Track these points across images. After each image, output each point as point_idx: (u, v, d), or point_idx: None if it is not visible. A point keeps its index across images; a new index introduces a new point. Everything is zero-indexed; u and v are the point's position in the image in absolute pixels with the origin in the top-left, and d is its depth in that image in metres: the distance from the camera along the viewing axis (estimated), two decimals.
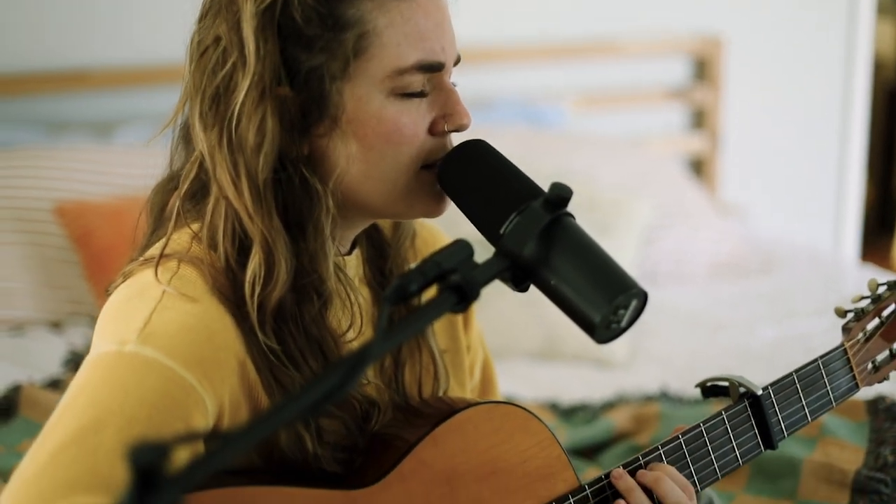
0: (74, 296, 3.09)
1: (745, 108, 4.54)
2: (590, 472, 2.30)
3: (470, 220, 1.38)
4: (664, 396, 2.67)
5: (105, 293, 1.43)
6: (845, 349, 1.72)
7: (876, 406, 2.33)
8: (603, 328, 1.25)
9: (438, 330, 1.64)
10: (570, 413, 2.66)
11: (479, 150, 1.41)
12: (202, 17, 1.41)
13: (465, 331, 1.71)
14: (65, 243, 3.10)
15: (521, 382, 2.90)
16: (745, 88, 4.52)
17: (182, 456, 1.27)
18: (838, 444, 2.25)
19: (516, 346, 3.09)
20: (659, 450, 1.54)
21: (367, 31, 1.34)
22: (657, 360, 3.02)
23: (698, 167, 4.48)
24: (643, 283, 3.33)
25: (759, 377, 2.85)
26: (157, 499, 0.92)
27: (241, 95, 1.34)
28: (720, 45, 4.38)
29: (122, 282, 1.41)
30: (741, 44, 4.47)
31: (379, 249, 1.59)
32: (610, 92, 4.28)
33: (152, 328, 1.31)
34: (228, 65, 1.36)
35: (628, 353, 3.08)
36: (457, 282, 1.17)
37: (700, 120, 4.45)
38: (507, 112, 3.99)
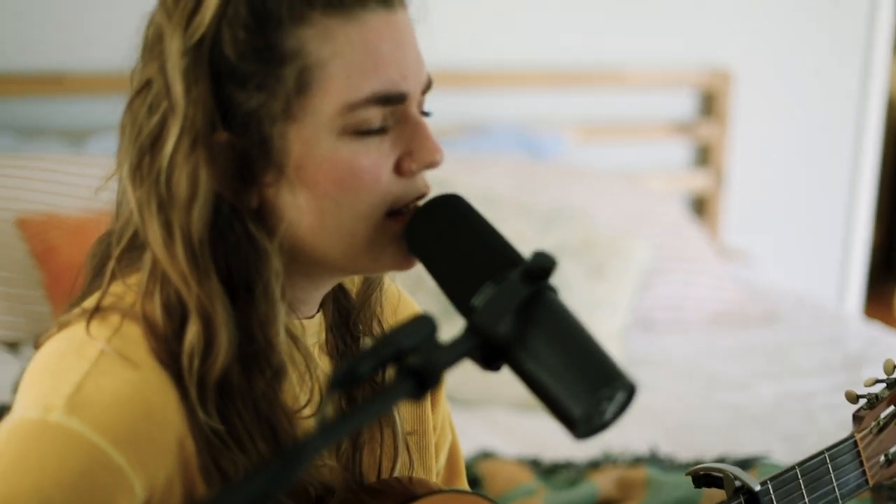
0: (35, 315, 2.91)
1: (752, 146, 4.37)
2: None
3: (439, 286, 1.21)
4: (653, 459, 2.51)
5: (35, 346, 1.25)
6: (856, 441, 1.54)
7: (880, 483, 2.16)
8: (584, 423, 1.09)
9: (403, 409, 1.45)
10: (551, 472, 2.50)
11: (452, 208, 1.23)
12: (140, 56, 1.24)
13: (432, 410, 1.53)
14: (27, 258, 2.93)
15: (501, 434, 2.74)
16: (753, 125, 4.35)
17: None
18: None
19: (498, 393, 2.92)
20: None
21: (310, 64, 1.16)
22: (648, 416, 2.85)
23: (700, 206, 4.31)
24: (638, 330, 3.20)
25: (755, 439, 2.73)
26: None
27: (170, 145, 1.17)
28: (728, 78, 4.21)
29: (57, 333, 1.23)
30: (750, 79, 4.30)
31: (345, 315, 1.40)
32: (612, 123, 4.11)
33: (83, 396, 1.13)
34: (160, 112, 1.18)
35: None
36: (415, 365, 1.01)
37: (704, 156, 4.28)
38: (504, 139, 3.82)
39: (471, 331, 1.09)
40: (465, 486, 1.63)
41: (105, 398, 1.13)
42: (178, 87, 1.16)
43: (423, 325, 1.04)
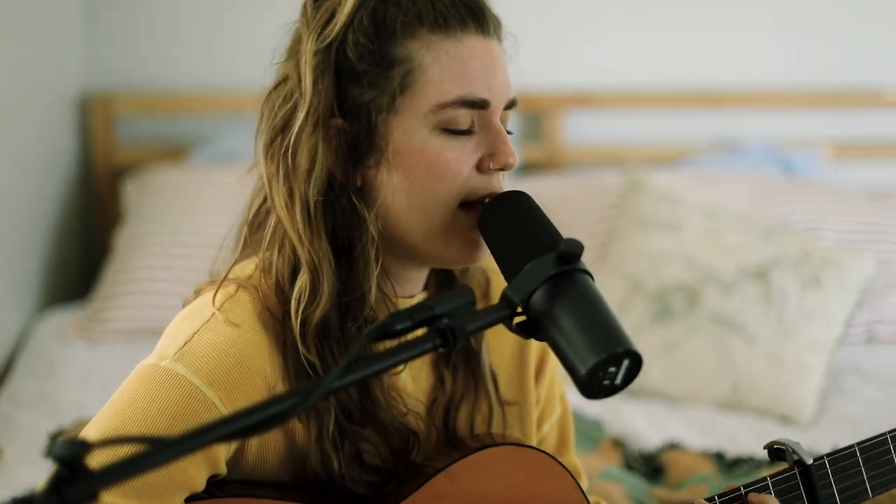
0: None
1: None
2: None
3: (497, 265, 1.42)
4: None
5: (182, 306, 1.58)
6: None
7: None
8: (592, 383, 1.25)
9: (507, 380, 1.68)
10: (732, 465, 2.63)
11: (515, 201, 1.45)
12: (283, 57, 1.53)
13: (536, 384, 1.73)
14: None
15: (696, 430, 2.89)
16: None
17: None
18: None
19: (703, 392, 3.07)
20: None
21: (413, 68, 1.43)
22: (845, 423, 2.94)
23: None
24: (860, 342, 3.24)
25: None
26: (74, 490, 1.02)
27: (297, 126, 1.46)
28: None
29: (193, 299, 1.56)
30: None
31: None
32: (868, 143, 4.17)
33: (189, 347, 1.44)
34: (292, 101, 1.47)
35: (815, 411, 3.01)
36: (444, 326, 1.20)
37: None
38: (757, 157, 3.95)
39: (503, 301, 1.30)
40: (571, 456, 1.81)
41: (205, 349, 1.44)
42: (308, 79, 1.45)
43: (460, 295, 1.24)
